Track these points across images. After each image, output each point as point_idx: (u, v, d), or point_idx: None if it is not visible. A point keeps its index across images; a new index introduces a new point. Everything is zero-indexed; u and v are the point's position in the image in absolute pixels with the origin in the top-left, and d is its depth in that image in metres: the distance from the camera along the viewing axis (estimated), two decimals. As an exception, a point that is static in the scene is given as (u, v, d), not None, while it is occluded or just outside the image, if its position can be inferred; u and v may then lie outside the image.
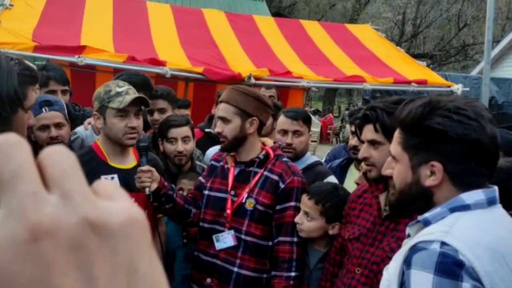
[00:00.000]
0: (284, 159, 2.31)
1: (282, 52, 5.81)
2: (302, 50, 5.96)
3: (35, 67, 1.37)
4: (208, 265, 2.24)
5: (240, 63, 5.20)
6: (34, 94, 1.38)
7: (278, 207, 2.19)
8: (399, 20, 21.24)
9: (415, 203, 1.18)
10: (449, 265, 0.98)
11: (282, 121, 2.66)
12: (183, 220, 2.35)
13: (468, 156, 1.11)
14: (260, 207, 2.18)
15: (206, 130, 3.36)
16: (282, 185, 2.19)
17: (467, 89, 5.42)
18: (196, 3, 11.20)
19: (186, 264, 2.49)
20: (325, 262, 2.10)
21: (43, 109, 2.34)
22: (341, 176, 2.63)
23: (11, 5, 4.92)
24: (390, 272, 1.12)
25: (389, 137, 1.48)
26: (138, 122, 2.18)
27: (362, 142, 1.80)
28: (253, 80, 4.75)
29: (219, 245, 2.22)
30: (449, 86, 5.60)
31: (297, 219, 2.14)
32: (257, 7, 12.38)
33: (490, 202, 1.13)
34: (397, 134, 1.21)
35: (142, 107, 2.25)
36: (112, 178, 2.16)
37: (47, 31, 4.58)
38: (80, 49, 4.31)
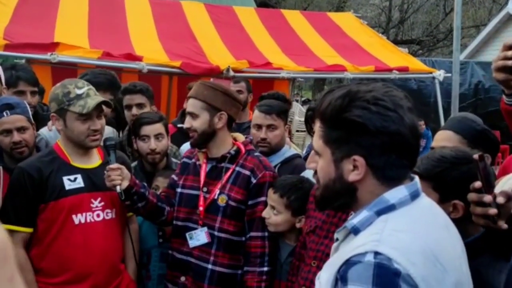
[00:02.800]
0: (256, 154, 2.29)
1: (263, 44, 5.76)
2: (283, 41, 5.91)
3: None
4: (182, 263, 2.22)
5: (219, 55, 5.14)
6: None
7: (250, 202, 2.18)
8: (386, 7, 21.19)
9: (339, 199, 1.14)
10: (386, 276, 0.96)
11: (256, 115, 2.64)
12: (156, 219, 2.31)
13: (389, 149, 1.07)
14: (232, 203, 2.16)
15: (179, 125, 3.32)
16: (254, 180, 2.17)
17: (449, 74, 5.40)
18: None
19: (162, 264, 2.46)
20: (293, 257, 2.09)
21: (4, 113, 2.28)
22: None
23: (-18, 4, 4.82)
24: (323, 283, 1.08)
25: None
26: (101, 123, 2.14)
27: None
28: (231, 73, 4.70)
29: (192, 243, 2.20)
30: (430, 73, 5.59)
31: (264, 214, 2.13)
32: (242, -2, 12.26)
33: (414, 196, 1.10)
34: (317, 127, 1.15)
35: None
36: (75, 178, 2.11)
37: (20, 29, 4.49)
38: (53, 46, 4.23)
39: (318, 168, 1.17)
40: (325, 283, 1.06)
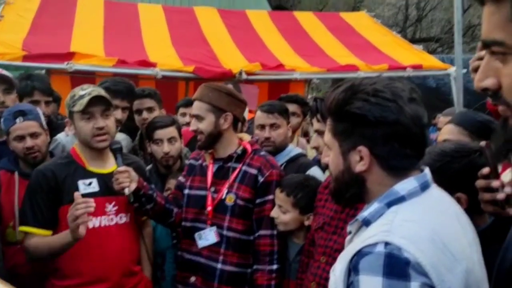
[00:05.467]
0: (262, 153, 2.30)
1: (275, 46, 5.79)
2: (296, 42, 5.93)
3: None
4: (192, 264, 2.24)
5: (232, 59, 5.19)
6: None
7: (257, 200, 2.19)
8: (402, 5, 20.94)
9: (349, 190, 1.18)
10: (396, 265, 0.97)
11: (258, 115, 2.66)
12: (165, 221, 2.35)
13: (390, 138, 1.09)
14: (240, 202, 2.17)
15: (190, 129, 3.37)
16: (261, 179, 2.18)
17: (464, 70, 5.30)
18: (195, 1, 11.21)
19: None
20: (301, 254, 2.10)
21: (17, 120, 2.35)
22: (321, 166, 2.61)
23: (1, 16, 4.99)
24: (337, 275, 1.11)
25: None
26: (106, 122, 2.13)
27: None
28: (244, 76, 4.73)
29: (201, 243, 2.22)
30: (445, 69, 5.51)
31: (272, 213, 2.14)
32: (256, 1, 12.33)
33: (424, 187, 1.12)
34: (327, 122, 1.21)
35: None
36: (90, 183, 2.15)
37: (37, 40, 4.63)
38: (69, 56, 4.35)
39: (329, 161, 1.22)
40: (339, 274, 1.09)
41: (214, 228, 2.21)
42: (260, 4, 12.20)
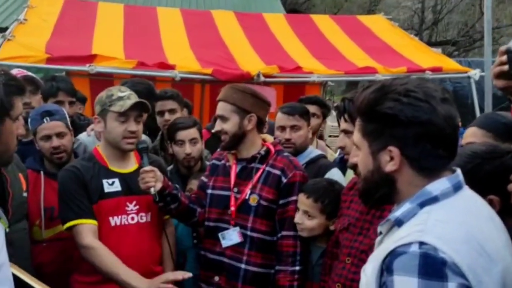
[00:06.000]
0: (285, 154, 2.31)
1: (292, 48, 5.79)
2: (313, 45, 5.92)
3: (18, 79, 1.44)
4: (215, 263, 2.25)
5: (250, 61, 5.21)
6: (21, 104, 1.41)
7: (281, 201, 2.19)
8: (418, 8, 20.79)
9: (379, 190, 1.17)
10: (432, 266, 0.97)
11: (279, 117, 2.68)
12: (188, 220, 2.36)
13: (422, 138, 1.08)
14: (263, 203, 2.18)
15: (213, 130, 3.39)
16: (284, 180, 2.18)
17: (484, 73, 5.24)
18: (211, 5, 11.28)
19: (197, 264, 2.50)
20: (325, 256, 2.09)
21: (45, 120, 2.41)
22: (342, 168, 2.60)
23: (25, 20, 5.09)
24: (368, 275, 1.11)
25: None
26: (138, 127, 2.20)
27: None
28: (262, 78, 4.75)
29: (225, 243, 2.23)
30: (465, 72, 5.45)
31: (296, 219, 2.13)
32: (271, 5, 12.35)
33: (457, 188, 1.11)
34: (357, 122, 1.21)
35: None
36: (113, 182, 2.18)
37: (60, 42, 4.71)
38: (91, 58, 4.42)
39: (359, 161, 1.22)
40: (370, 274, 1.09)
41: (237, 229, 2.21)
42: (275, 8, 12.24)
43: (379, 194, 1.18)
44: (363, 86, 1.22)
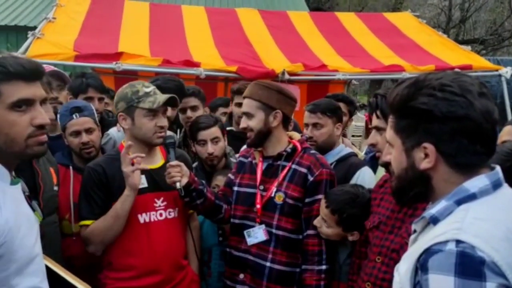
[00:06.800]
0: (312, 151, 2.28)
1: (317, 46, 5.74)
2: (338, 43, 5.85)
3: (7, 63, 1.26)
4: (241, 261, 2.25)
5: (274, 59, 5.19)
6: (15, 89, 1.27)
7: (307, 200, 2.17)
8: (445, 6, 20.37)
9: (413, 188, 1.14)
10: (470, 265, 0.94)
11: (305, 115, 2.66)
12: (214, 216, 2.36)
13: (459, 134, 1.05)
14: (289, 201, 2.16)
15: (227, 128, 3.39)
16: (310, 178, 2.16)
17: (512, 72, 5.09)
18: (234, 3, 11.31)
19: (222, 262, 2.51)
20: (353, 255, 2.06)
21: (74, 115, 2.44)
22: (373, 166, 2.56)
23: (54, 18, 5.19)
24: (402, 274, 1.08)
25: None
26: (166, 121, 2.22)
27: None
28: (287, 76, 4.72)
29: (250, 240, 2.22)
30: (496, 70, 5.30)
31: (316, 222, 2.11)
32: (295, 3, 12.31)
33: (496, 186, 1.07)
34: (389, 118, 1.18)
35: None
36: (140, 178, 2.19)
37: (88, 40, 4.79)
38: (117, 56, 4.47)
39: (392, 159, 1.19)
40: (404, 273, 1.06)
41: (263, 226, 2.20)
42: (299, 6, 12.19)
43: (414, 192, 1.15)
44: (386, 85, 1.19)
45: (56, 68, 3.02)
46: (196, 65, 4.69)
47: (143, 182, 2.19)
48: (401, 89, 1.12)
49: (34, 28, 5.08)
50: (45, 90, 1.42)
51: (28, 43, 4.49)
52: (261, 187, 2.23)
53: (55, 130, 2.68)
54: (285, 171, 2.21)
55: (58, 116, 2.52)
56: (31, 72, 1.31)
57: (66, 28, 5.10)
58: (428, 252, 0.99)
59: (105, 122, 2.93)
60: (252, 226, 2.23)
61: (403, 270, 1.08)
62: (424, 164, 1.09)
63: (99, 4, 5.97)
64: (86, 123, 2.46)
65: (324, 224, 2.07)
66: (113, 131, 2.85)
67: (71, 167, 2.51)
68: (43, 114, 1.31)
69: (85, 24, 5.31)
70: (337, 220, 2.03)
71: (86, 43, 4.69)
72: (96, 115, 2.60)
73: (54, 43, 4.50)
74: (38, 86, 1.32)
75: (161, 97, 2.14)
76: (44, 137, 1.32)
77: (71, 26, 5.17)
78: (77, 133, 2.46)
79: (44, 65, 3.08)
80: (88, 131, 2.47)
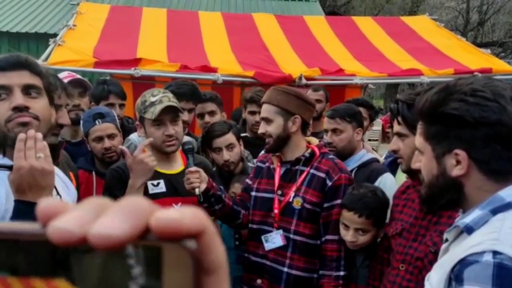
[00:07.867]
0: (331, 156, 2.28)
1: (334, 51, 5.72)
2: (355, 47, 5.82)
3: None
4: (258, 266, 2.25)
5: (291, 64, 5.19)
6: None
7: (325, 205, 2.16)
8: (463, 9, 20.12)
9: (444, 195, 1.11)
10: (508, 277, 0.91)
11: (324, 120, 2.65)
12: (232, 222, 2.37)
13: (492, 140, 1.02)
14: (307, 206, 2.15)
15: (241, 134, 3.39)
16: (329, 183, 2.15)
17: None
18: (249, 9, 11.35)
19: (238, 266, 2.50)
20: (373, 260, 2.05)
21: (97, 121, 2.48)
22: (393, 171, 2.54)
23: (74, 26, 5.29)
24: (434, 284, 1.06)
25: (412, 129, 1.43)
26: (175, 129, 2.20)
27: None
28: (304, 81, 4.71)
29: (268, 246, 2.22)
30: (518, 73, 5.20)
31: (350, 239, 2.07)
32: (310, 8, 12.30)
33: None
34: (419, 125, 1.17)
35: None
36: (158, 183, 2.22)
37: (107, 47, 4.86)
38: (136, 62, 4.53)
39: (422, 166, 1.17)
40: (436, 284, 1.04)
41: (280, 231, 2.20)
42: (314, 10, 12.18)
43: (445, 200, 1.12)
44: (401, 88, 1.18)
45: (79, 76, 3.08)
46: (213, 70, 4.71)
47: (161, 187, 2.21)
48: (430, 95, 1.10)
49: (54, 35, 5.19)
50: (59, 96, 1.43)
51: (49, 50, 4.58)
52: (279, 192, 2.23)
53: (76, 136, 2.72)
54: (303, 176, 2.20)
55: (81, 122, 2.57)
56: (6, 62, 1.35)
57: (86, 35, 5.19)
58: (463, 263, 0.97)
59: (126, 128, 2.97)
60: (270, 231, 2.22)
61: (435, 280, 1.05)
62: (456, 171, 1.06)
63: (118, 11, 6.07)
64: (108, 129, 2.50)
65: (359, 234, 2.05)
66: (133, 136, 2.89)
67: (94, 172, 2.55)
68: (18, 98, 1.34)
69: (104, 31, 5.39)
70: (373, 222, 2.04)
71: (105, 49, 4.77)
72: (117, 120, 2.64)
73: (74, 50, 4.59)
74: (18, 75, 1.36)
75: (159, 107, 2.14)
76: (23, 118, 1.34)
77: (91, 33, 5.26)
78: (99, 139, 2.50)
79: (67, 72, 3.17)
80: (110, 136, 2.51)
